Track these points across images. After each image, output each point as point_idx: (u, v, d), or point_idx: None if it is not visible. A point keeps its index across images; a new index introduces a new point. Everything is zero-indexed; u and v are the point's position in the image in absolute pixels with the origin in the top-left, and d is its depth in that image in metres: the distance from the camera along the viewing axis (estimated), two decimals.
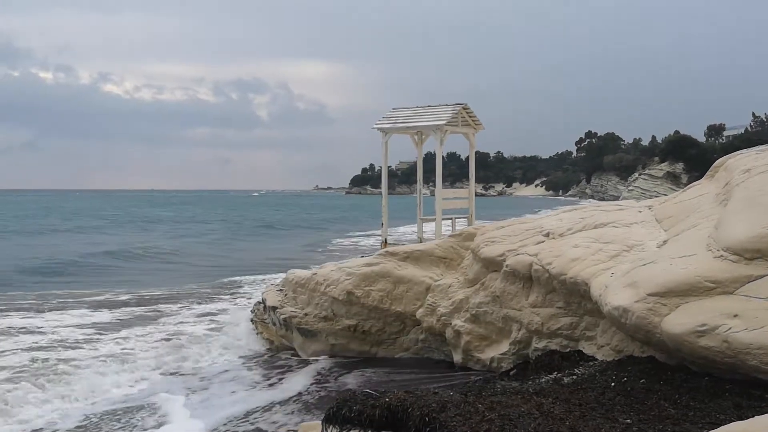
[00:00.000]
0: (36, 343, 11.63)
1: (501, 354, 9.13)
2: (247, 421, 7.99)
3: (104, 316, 14.30)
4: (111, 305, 15.72)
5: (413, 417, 5.37)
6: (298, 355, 10.97)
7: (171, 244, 32.89)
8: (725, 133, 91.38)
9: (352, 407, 5.59)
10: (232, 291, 18.06)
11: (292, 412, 8.26)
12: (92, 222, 52.83)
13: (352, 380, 9.46)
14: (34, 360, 10.29)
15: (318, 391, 9.15)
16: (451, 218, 14.51)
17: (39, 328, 12.96)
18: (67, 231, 43.76)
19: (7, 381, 9.20)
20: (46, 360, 10.29)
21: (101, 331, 12.66)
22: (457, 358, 9.77)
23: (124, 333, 12.42)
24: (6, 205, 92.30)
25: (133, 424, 7.90)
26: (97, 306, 15.61)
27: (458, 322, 9.64)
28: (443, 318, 9.89)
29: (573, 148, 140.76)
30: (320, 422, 5.70)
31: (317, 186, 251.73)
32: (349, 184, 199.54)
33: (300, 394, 9.05)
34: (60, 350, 11.09)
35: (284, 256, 28.19)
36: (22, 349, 11.08)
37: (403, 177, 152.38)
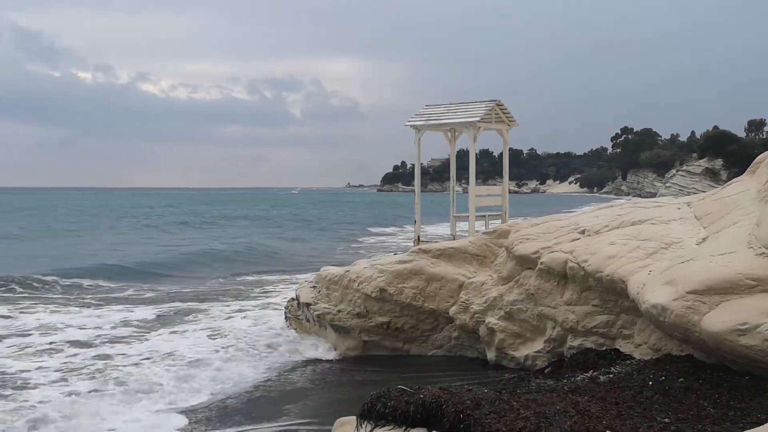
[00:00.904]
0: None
1: (535, 352, 9.07)
2: None
3: (145, 313, 14.54)
4: (152, 301, 16.03)
5: (447, 414, 5.36)
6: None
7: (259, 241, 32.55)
8: (766, 128, 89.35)
9: (387, 403, 5.61)
10: (262, 288, 18.21)
11: (191, 422, 7.77)
12: (150, 220, 52.99)
13: (300, 378, 9.52)
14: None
15: (250, 393, 8.87)
16: (484, 216, 14.44)
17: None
18: (139, 229, 43.65)
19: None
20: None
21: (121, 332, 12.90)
22: (491, 355, 9.73)
23: (156, 332, 12.50)
24: (52, 202, 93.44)
25: None
26: (135, 303, 15.93)
27: (492, 319, 9.60)
28: (476, 315, 9.85)
29: (608, 144, 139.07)
30: (355, 417, 5.72)
31: (349, 183, 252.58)
32: (381, 181, 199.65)
33: (228, 397, 8.71)
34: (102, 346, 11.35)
35: (315, 254, 28.36)
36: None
37: (434, 174, 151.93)
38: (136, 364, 9.93)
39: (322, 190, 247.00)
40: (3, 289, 17.11)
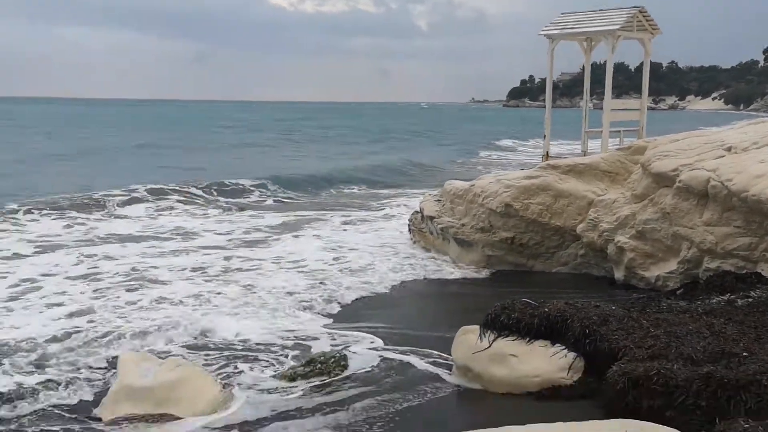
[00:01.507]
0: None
1: (667, 273, 8.73)
2: None
3: (272, 220, 15.22)
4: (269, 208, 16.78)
5: (573, 328, 5.32)
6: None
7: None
8: None
9: (510, 315, 5.64)
10: (381, 201, 18.46)
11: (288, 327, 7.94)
12: (282, 134, 53.85)
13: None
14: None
15: (366, 301, 8.81)
16: (618, 131, 13.77)
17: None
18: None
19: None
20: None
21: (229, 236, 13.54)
22: (619, 275, 9.48)
23: (280, 239, 12.93)
24: (192, 114, 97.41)
25: None
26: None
27: (622, 238, 9.29)
28: (605, 234, 9.56)
29: (759, 57, 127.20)
30: (478, 327, 5.79)
31: (473, 98, 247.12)
32: (507, 96, 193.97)
33: (338, 304, 8.67)
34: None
35: (438, 166, 28.37)
36: None
37: (564, 89, 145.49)
38: (257, 270, 10.33)
39: (448, 105, 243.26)
40: (149, 194, 18.36)
